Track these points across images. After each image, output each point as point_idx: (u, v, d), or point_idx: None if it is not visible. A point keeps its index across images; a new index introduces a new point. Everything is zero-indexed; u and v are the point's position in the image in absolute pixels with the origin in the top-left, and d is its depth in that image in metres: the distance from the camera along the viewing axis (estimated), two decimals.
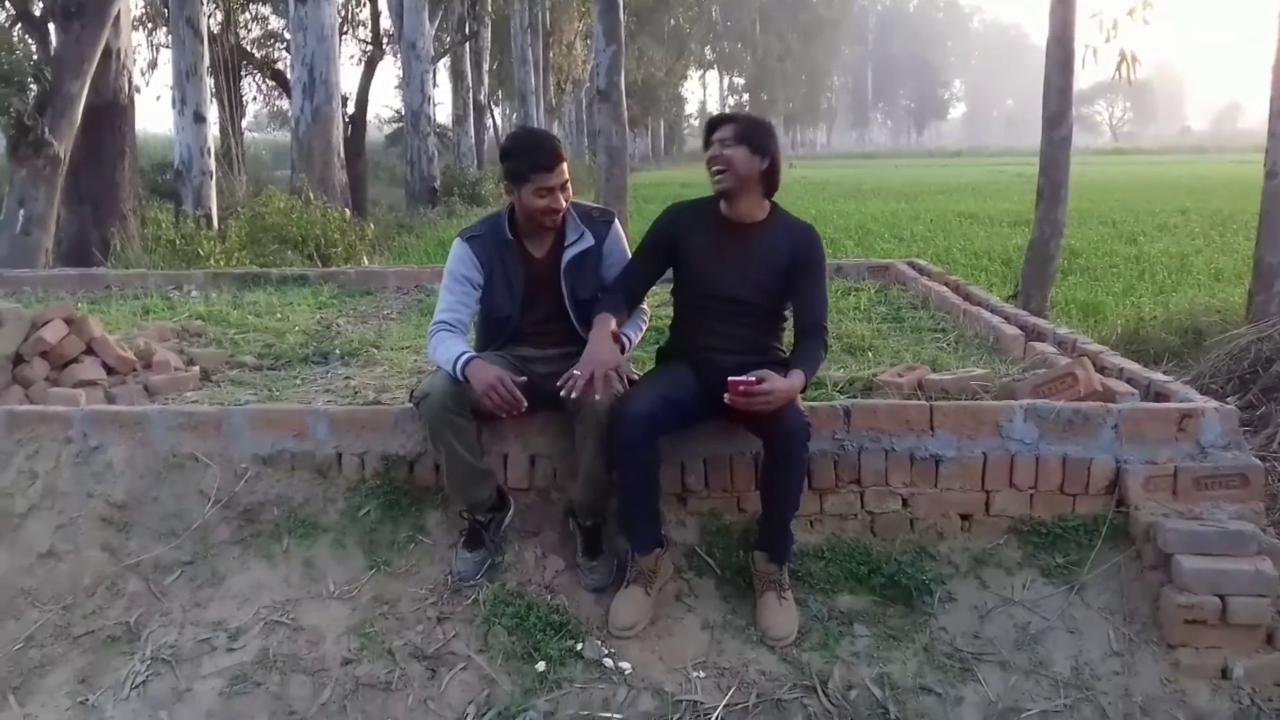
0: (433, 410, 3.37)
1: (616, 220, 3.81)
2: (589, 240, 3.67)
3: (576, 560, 3.57)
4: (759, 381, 3.16)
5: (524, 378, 3.37)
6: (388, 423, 3.77)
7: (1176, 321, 8.47)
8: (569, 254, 3.65)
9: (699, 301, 3.60)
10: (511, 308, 3.66)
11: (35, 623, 3.36)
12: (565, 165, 3.54)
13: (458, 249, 3.66)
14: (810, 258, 3.55)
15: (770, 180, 3.54)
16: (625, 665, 3.25)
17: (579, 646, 3.29)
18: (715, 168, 3.46)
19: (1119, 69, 8.88)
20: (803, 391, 3.37)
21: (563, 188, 3.53)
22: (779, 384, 3.19)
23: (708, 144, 3.52)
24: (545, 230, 3.65)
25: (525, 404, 3.32)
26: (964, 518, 3.66)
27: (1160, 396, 3.96)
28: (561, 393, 3.24)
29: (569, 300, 3.65)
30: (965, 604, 3.46)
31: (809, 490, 3.58)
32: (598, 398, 3.24)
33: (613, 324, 3.41)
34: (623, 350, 3.42)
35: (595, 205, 3.91)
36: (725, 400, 3.19)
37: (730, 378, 3.18)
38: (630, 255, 3.76)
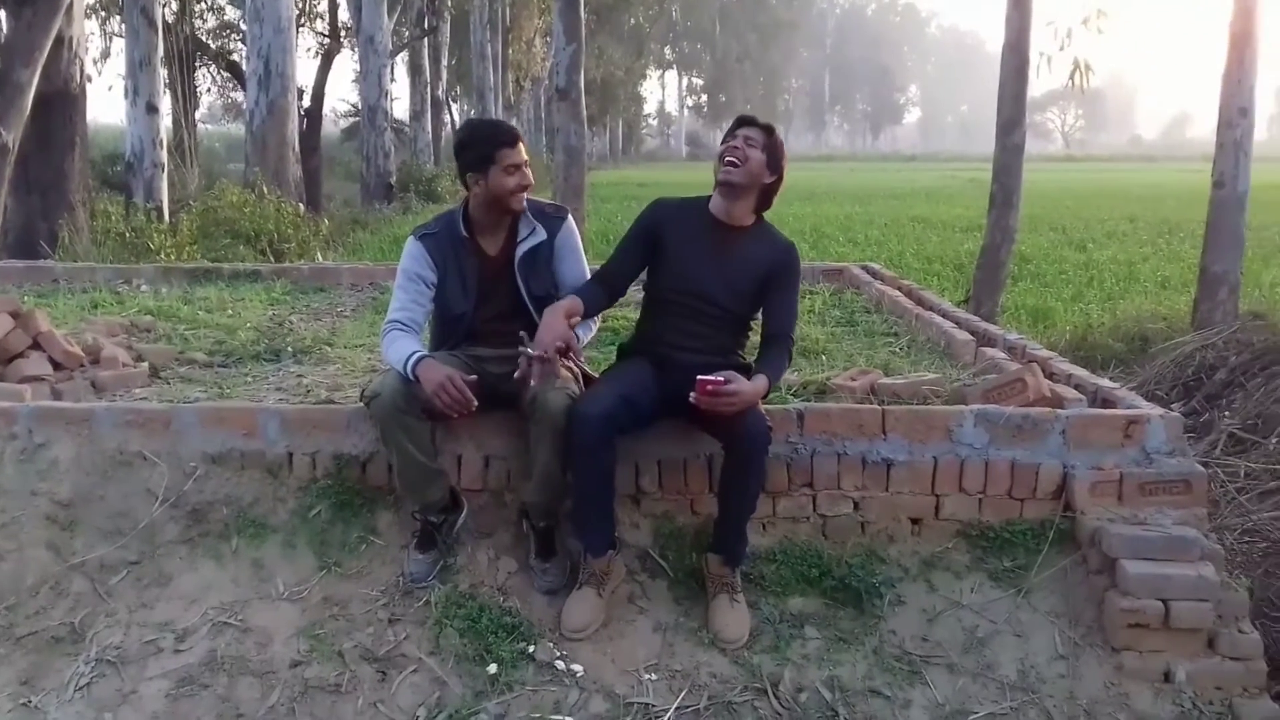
0: (383, 410, 3.36)
1: (570, 216, 3.82)
2: (541, 235, 3.67)
3: (530, 562, 3.56)
4: (726, 382, 3.18)
5: (474, 376, 3.35)
6: (340, 422, 3.74)
7: (1124, 328, 8.62)
8: (521, 249, 3.65)
9: (672, 296, 3.60)
10: (465, 305, 3.65)
11: None
12: (524, 144, 3.60)
13: (411, 247, 3.66)
14: (787, 272, 3.60)
15: (768, 195, 3.61)
16: (577, 667, 3.25)
17: (531, 649, 3.29)
18: (730, 159, 3.49)
19: (1072, 77, 9.03)
20: (764, 397, 3.39)
21: (526, 165, 3.57)
22: (745, 387, 3.21)
23: (730, 136, 3.55)
24: (504, 222, 3.65)
25: (475, 403, 3.30)
26: (914, 521, 3.69)
27: (1107, 403, 4.02)
28: (515, 375, 3.26)
29: (526, 296, 3.65)
30: (914, 607, 3.50)
31: (762, 493, 3.60)
32: (547, 386, 3.28)
33: (569, 307, 3.40)
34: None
35: (549, 201, 3.92)
36: (690, 399, 3.20)
37: (699, 377, 3.19)
38: (582, 252, 3.79)
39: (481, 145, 3.53)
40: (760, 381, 3.30)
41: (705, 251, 3.56)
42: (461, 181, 3.67)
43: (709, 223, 3.61)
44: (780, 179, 3.60)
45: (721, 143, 3.61)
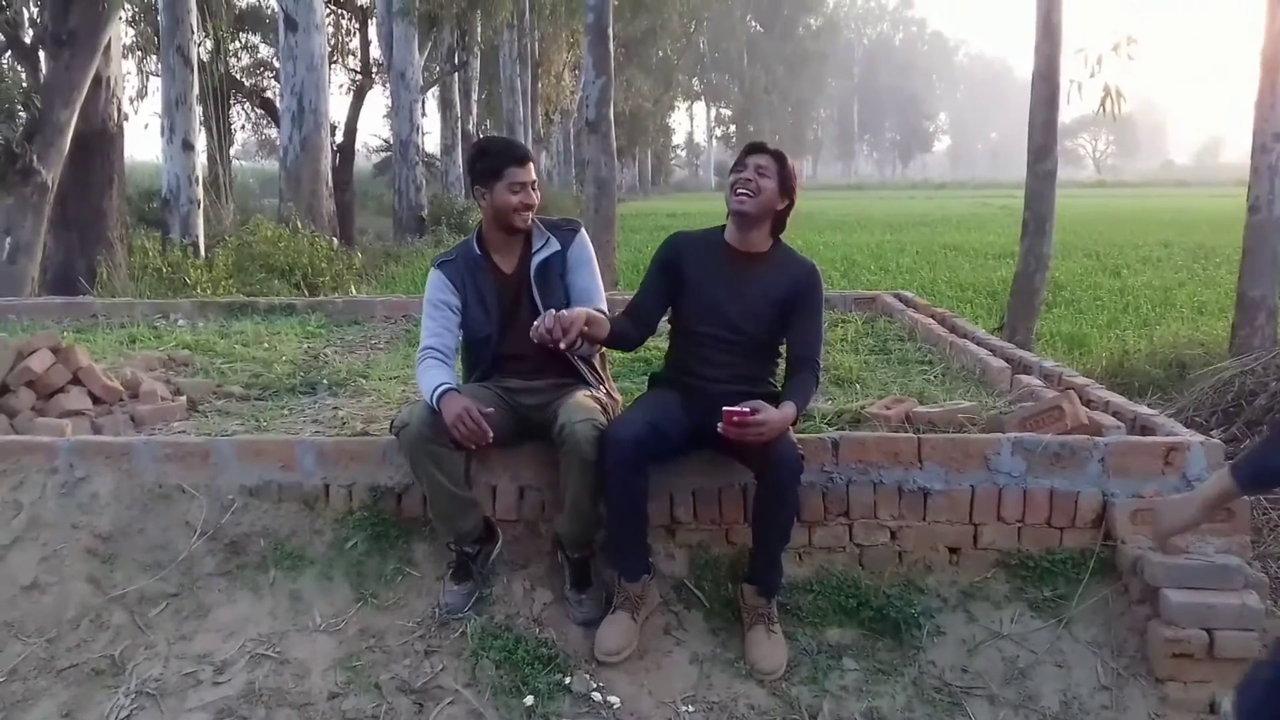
0: (411, 440, 3.38)
1: (583, 229, 3.86)
2: (555, 246, 3.72)
3: (565, 593, 3.56)
4: (753, 412, 3.17)
5: (490, 409, 3.36)
6: (376, 454, 3.77)
7: (1160, 354, 8.52)
8: (536, 260, 3.70)
9: (696, 327, 3.61)
10: (489, 326, 3.68)
11: (19, 656, 3.33)
12: (533, 165, 3.66)
13: (432, 276, 3.73)
14: (809, 294, 3.58)
15: (781, 220, 3.63)
16: (614, 699, 3.23)
17: (567, 680, 3.28)
18: (742, 190, 3.50)
19: (1103, 104, 8.96)
20: (794, 424, 3.38)
21: (533, 185, 3.62)
22: (773, 415, 3.19)
23: (740, 165, 3.56)
24: (515, 235, 3.69)
25: (491, 435, 3.31)
26: (952, 550, 3.66)
27: (1146, 430, 3.98)
28: (531, 333, 3.30)
29: (541, 308, 3.66)
30: (953, 637, 3.46)
31: (797, 523, 3.58)
32: (575, 417, 3.31)
33: (592, 314, 3.42)
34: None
35: (560, 217, 3.96)
36: (719, 430, 3.18)
37: (725, 408, 3.18)
38: (595, 267, 3.82)
39: (490, 159, 3.61)
40: (788, 409, 3.28)
41: (725, 281, 3.57)
42: (473, 196, 3.72)
43: (726, 252, 3.62)
44: (792, 203, 3.61)
45: (731, 171, 3.61)
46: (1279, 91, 7.71)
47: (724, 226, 3.67)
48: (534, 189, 3.63)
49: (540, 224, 3.73)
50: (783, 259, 3.64)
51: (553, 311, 3.32)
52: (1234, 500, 2.83)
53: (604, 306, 3.74)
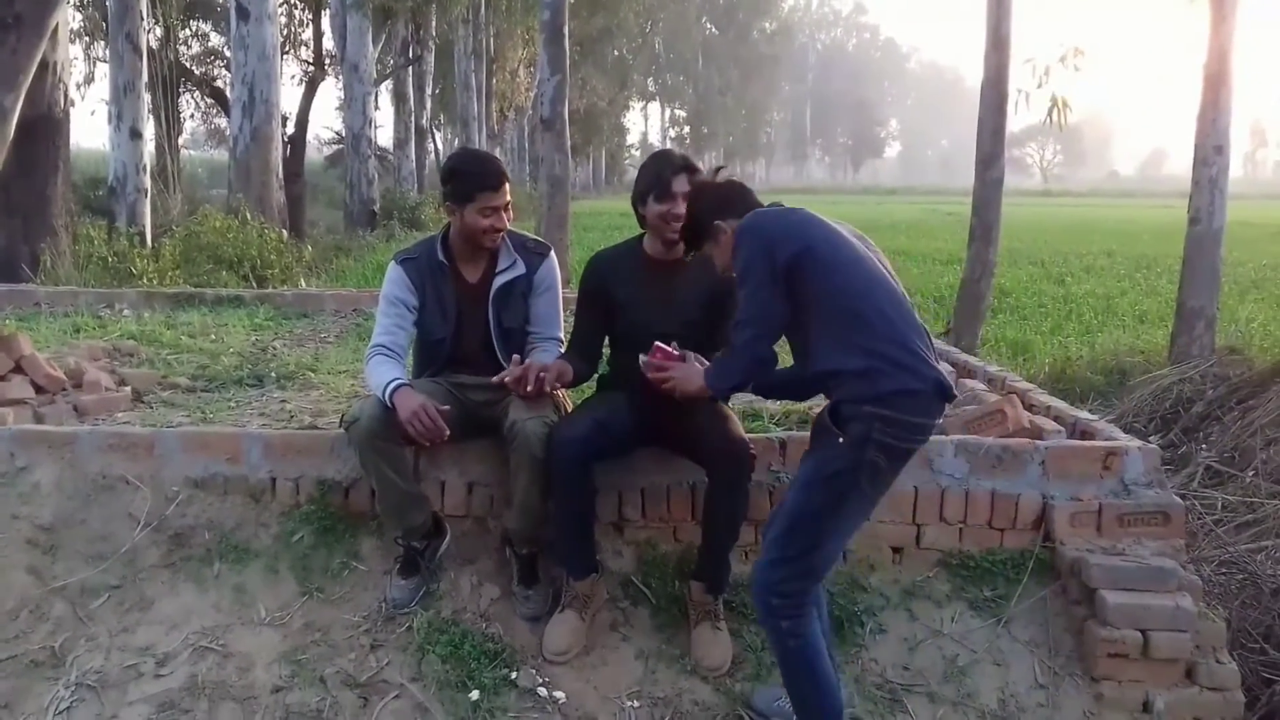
0: (361, 435, 3.37)
1: (552, 253, 3.84)
2: (520, 269, 3.70)
3: (512, 588, 3.57)
4: (681, 357, 3.18)
5: (447, 406, 3.36)
6: (323, 448, 3.75)
7: (1102, 361, 8.68)
8: (498, 280, 3.68)
9: (634, 343, 3.60)
10: (444, 330, 3.67)
11: None
12: (508, 186, 3.60)
13: (392, 272, 3.69)
14: (730, 285, 3.55)
15: None
16: (559, 694, 3.25)
17: (513, 675, 3.29)
18: (678, 222, 3.37)
19: (1050, 113, 9.11)
20: (716, 400, 3.36)
21: (506, 208, 3.58)
22: (690, 373, 3.13)
23: (668, 195, 3.43)
24: (482, 251, 3.68)
25: (447, 432, 3.31)
26: (895, 550, 3.72)
27: (1086, 435, 4.06)
28: (494, 379, 3.38)
29: (494, 327, 3.67)
30: (895, 635, 3.51)
31: (745, 522, 3.61)
32: (525, 415, 3.34)
33: (560, 368, 3.51)
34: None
35: (531, 236, 3.94)
36: (640, 362, 3.20)
37: (657, 343, 3.21)
38: (559, 292, 3.81)
39: (464, 180, 3.56)
40: (699, 375, 3.13)
41: (651, 296, 3.55)
42: (443, 209, 3.70)
43: (648, 266, 3.59)
44: None
45: (657, 198, 3.46)
46: (1220, 106, 7.90)
47: (643, 236, 3.64)
48: (507, 211, 3.59)
49: (509, 242, 3.71)
50: (699, 259, 3.49)
51: (529, 363, 3.37)
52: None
53: (561, 335, 3.79)
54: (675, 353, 3.20)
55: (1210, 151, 7.96)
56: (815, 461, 2.94)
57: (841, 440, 2.80)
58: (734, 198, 3.14)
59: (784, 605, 2.89)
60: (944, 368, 5.08)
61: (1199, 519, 4.83)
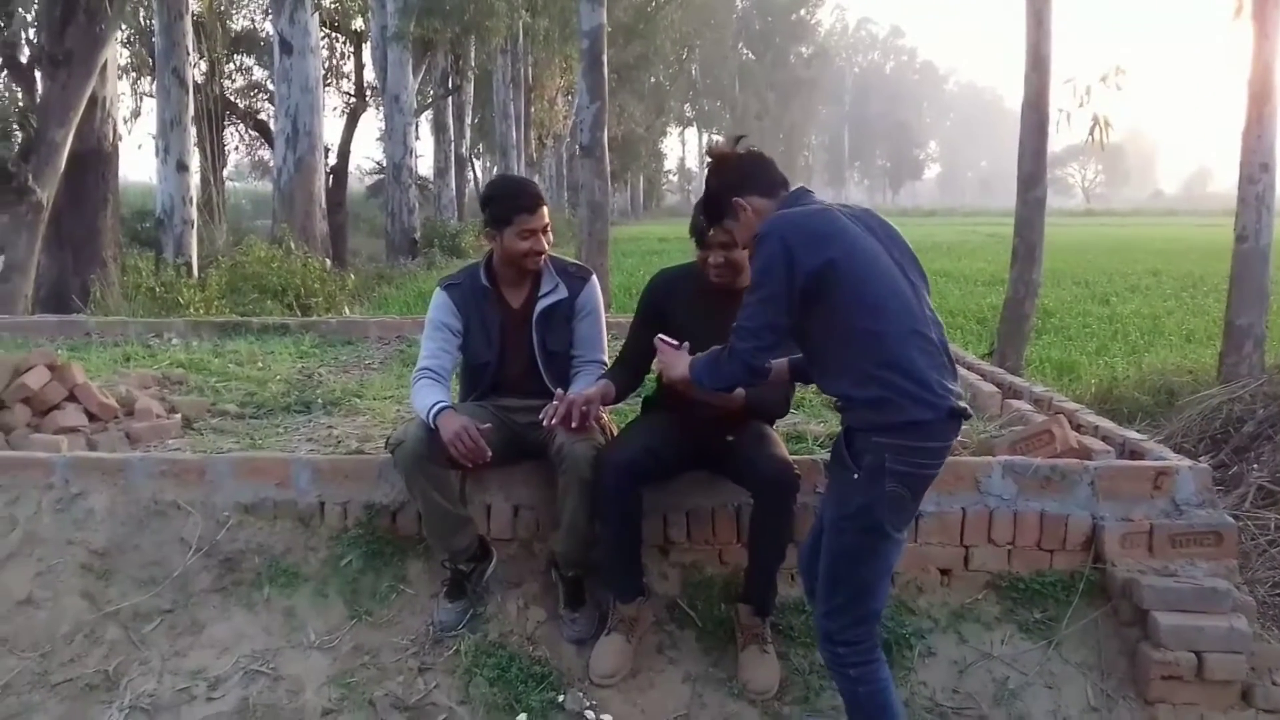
0: (406, 458, 3.40)
1: (594, 277, 3.87)
2: (563, 292, 3.73)
3: (559, 611, 3.58)
4: (679, 346, 3.18)
5: (488, 425, 3.40)
6: (371, 472, 3.78)
7: (1149, 381, 8.56)
8: (541, 304, 3.71)
9: None
10: (489, 355, 3.71)
11: (13, 670, 3.34)
12: (546, 209, 3.63)
13: (437, 297, 3.74)
14: None
15: None
16: (607, 717, 3.25)
17: (560, 698, 3.29)
18: (718, 274, 3.44)
19: (1092, 133, 9.05)
20: (704, 388, 3.17)
21: (544, 231, 3.62)
22: (676, 355, 3.15)
23: (704, 243, 3.45)
24: (525, 275, 3.71)
25: (489, 454, 3.34)
26: (943, 572, 3.69)
27: (1135, 454, 4.02)
28: (540, 417, 3.37)
29: (539, 351, 3.70)
30: (944, 658, 3.48)
31: (791, 543, 3.60)
32: (573, 438, 3.35)
33: (603, 390, 3.52)
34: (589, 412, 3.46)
35: (573, 261, 3.98)
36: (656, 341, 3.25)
37: (660, 335, 3.23)
38: (601, 315, 3.84)
39: (501, 205, 3.61)
40: (685, 364, 3.12)
41: (707, 315, 3.51)
42: (484, 236, 3.75)
43: (706, 288, 3.57)
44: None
45: (698, 244, 3.49)
46: (1265, 123, 7.81)
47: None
48: (546, 233, 3.63)
49: (551, 266, 3.75)
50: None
51: (569, 397, 3.40)
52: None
53: (604, 357, 3.81)
54: (674, 345, 3.20)
55: (1256, 169, 7.86)
56: (835, 499, 2.89)
57: (856, 476, 2.74)
58: (756, 173, 3.03)
59: (850, 653, 2.83)
60: (988, 389, 5.06)
61: (1252, 539, 4.74)
